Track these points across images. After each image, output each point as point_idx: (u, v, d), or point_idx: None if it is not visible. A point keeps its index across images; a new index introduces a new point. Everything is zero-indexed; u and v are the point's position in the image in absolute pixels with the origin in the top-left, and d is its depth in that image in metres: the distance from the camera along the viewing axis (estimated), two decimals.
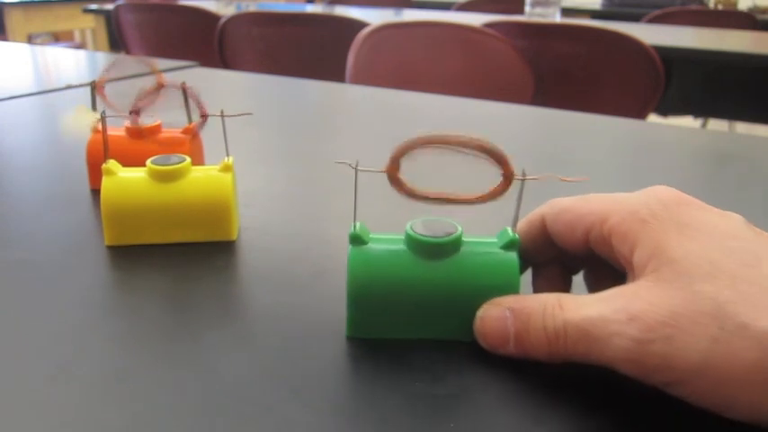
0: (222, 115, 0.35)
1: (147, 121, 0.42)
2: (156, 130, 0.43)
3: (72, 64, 1.07)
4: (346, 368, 0.26)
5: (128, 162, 0.37)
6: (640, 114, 1.46)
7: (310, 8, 2.99)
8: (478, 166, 0.26)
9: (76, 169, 0.47)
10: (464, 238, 0.28)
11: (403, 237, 0.28)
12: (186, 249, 0.36)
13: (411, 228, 0.28)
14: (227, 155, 0.37)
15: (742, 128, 2.62)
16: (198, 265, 0.35)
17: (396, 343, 0.28)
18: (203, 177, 0.37)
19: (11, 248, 0.36)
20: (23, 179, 0.48)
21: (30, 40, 3.48)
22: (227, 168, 0.37)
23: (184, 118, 0.42)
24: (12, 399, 0.24)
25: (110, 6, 2.25)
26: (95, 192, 0.44)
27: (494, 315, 0.27)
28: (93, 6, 2.79)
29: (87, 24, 3.62)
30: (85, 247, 0.36)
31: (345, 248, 0.28)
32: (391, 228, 0.29)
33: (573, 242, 0.28)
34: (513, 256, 0.28)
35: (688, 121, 2.70)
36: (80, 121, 0.40)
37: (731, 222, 0.25)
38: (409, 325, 0.28)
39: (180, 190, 0.36)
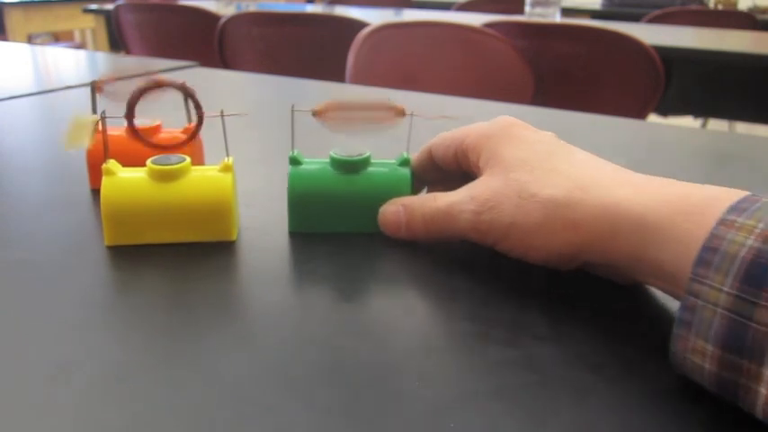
0: (220, 115, 0.35)
1: (146, 121, 0.42)
2: (156, 130, 0.43)
3: (72, 64, 1.07)
4: (346, 368, 0.26)
5: (128, 162, 0.37)
6: (640, 114, 1.46)
7: (310, 8, 2.99)
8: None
9: (76, 169, 0.47)
10: (372, 160, 0.38)
11: (328, 160, 0.38)
12: (186, 249, 0.36)
13: (334, 152, 0.38)
14: (227, 155, 0.37)
15: (742, 128, 2.63)
16: (198, 265, 0.35)
17: (396, 342, 0.28)
18: (203, 177, 0.37)
19: (11, 248, 0.36)
20: (23, 179, 0.48)
21: (30, 40, 3.48)
22: (227, 168, 0.37)
23: (184, 118, 0.42)
24: (12, 399, 0.24)
25: (110, 6, 2.25)
26: (95, 192, 0.44)
27: (391, 210, 0.37)
28: (93, 6, 2.79)
29: (87, 24, 3.62)
30: (85, 247, 0.36)
31: None
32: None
33: (448, 161, 0.38)
34: (406, 170, 0.38)
35: (688, 121, 2.70)
36: (80, 133, 0.40)
37: (543, 136, 0.35)
38: (333, 222, 0.38)
39: (180, 190, 0.36)
